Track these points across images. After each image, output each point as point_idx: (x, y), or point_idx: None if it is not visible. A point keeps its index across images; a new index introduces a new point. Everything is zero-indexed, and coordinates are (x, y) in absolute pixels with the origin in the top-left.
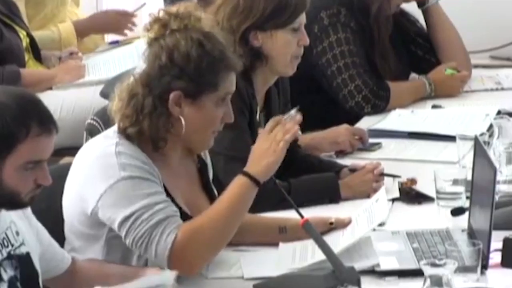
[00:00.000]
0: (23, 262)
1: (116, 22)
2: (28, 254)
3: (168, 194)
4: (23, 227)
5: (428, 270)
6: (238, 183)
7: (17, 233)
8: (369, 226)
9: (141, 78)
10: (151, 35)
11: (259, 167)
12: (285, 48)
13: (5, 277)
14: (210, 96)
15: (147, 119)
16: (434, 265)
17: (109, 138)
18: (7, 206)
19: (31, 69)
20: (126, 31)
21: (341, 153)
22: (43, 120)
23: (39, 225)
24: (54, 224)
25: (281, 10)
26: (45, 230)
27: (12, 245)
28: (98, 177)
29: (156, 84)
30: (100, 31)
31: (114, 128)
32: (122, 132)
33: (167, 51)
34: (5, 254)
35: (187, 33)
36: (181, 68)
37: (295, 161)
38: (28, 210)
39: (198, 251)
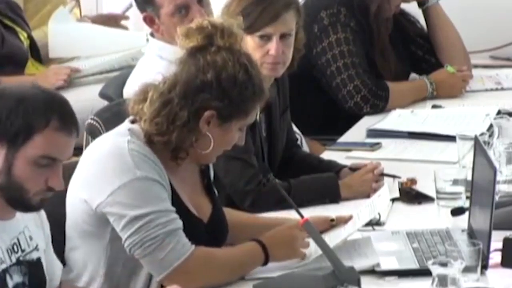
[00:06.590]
0: (33, 268)
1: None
2: (39, 260)
3: (176, 195)
4: (36, 233)
5: (436, 270)
6: (252, 250)
7: (31, 238)
8: (370, 216)
9: (178, 86)
10: (192, 43)
11: (277, 253)
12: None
13: (11, 284)
14: (239, 122)
15: (176, 131)
16: (442, 264)
17: (121, 135)
18: (16, 205)
19: (12, 77)
20: None
21: None
22: (65, 117)
23: (48, 234)
24: (56, 226)
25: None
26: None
27: (23, 251)
28: (110, 172)
29: (194, 98)
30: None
31: (126, 125)
32: (147, 137)
33: (215, 69)
34: (13, 260)
35: (235, 55)
36: (225, 90)
37: (295, 161)
38: (43, 217)
39: (205, 274)
